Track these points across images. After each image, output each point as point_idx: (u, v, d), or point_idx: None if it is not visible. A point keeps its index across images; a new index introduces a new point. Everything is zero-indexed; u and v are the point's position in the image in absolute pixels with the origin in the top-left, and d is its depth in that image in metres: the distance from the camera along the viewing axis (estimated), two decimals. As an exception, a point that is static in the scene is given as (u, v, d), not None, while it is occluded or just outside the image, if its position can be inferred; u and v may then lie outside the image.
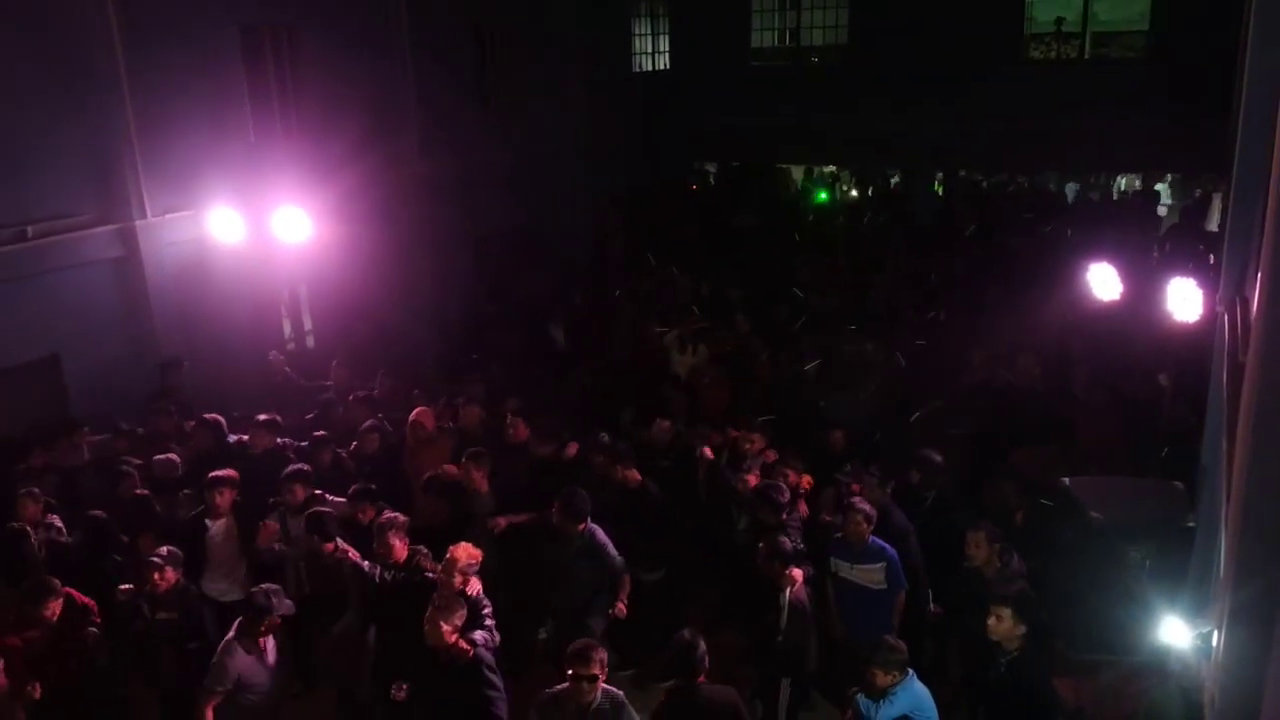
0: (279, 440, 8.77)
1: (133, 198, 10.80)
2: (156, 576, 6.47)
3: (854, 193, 21.55)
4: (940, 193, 20.64)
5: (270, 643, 6.18)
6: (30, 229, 9.99)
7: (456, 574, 6.19)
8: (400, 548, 6.63)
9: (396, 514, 6.86)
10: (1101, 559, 7.01)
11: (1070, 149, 17.92)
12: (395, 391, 10.18)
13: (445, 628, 5.80)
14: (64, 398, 10.40)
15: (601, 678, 5.40)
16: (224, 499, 7.44)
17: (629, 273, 15.49)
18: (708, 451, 8.22)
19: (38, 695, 5.92)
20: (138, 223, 10.86)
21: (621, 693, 5.54)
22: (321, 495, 7.57)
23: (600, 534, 7.09)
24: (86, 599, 6.59)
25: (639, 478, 7.79)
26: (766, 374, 10.81)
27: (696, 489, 8.34)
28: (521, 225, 16.62)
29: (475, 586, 6.28)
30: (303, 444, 8.79)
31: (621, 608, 7.02)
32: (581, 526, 7.01)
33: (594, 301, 14.03)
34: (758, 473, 7.88)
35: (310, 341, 13.67)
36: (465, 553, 6.28)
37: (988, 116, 17.57)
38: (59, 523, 7.53)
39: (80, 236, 10.49)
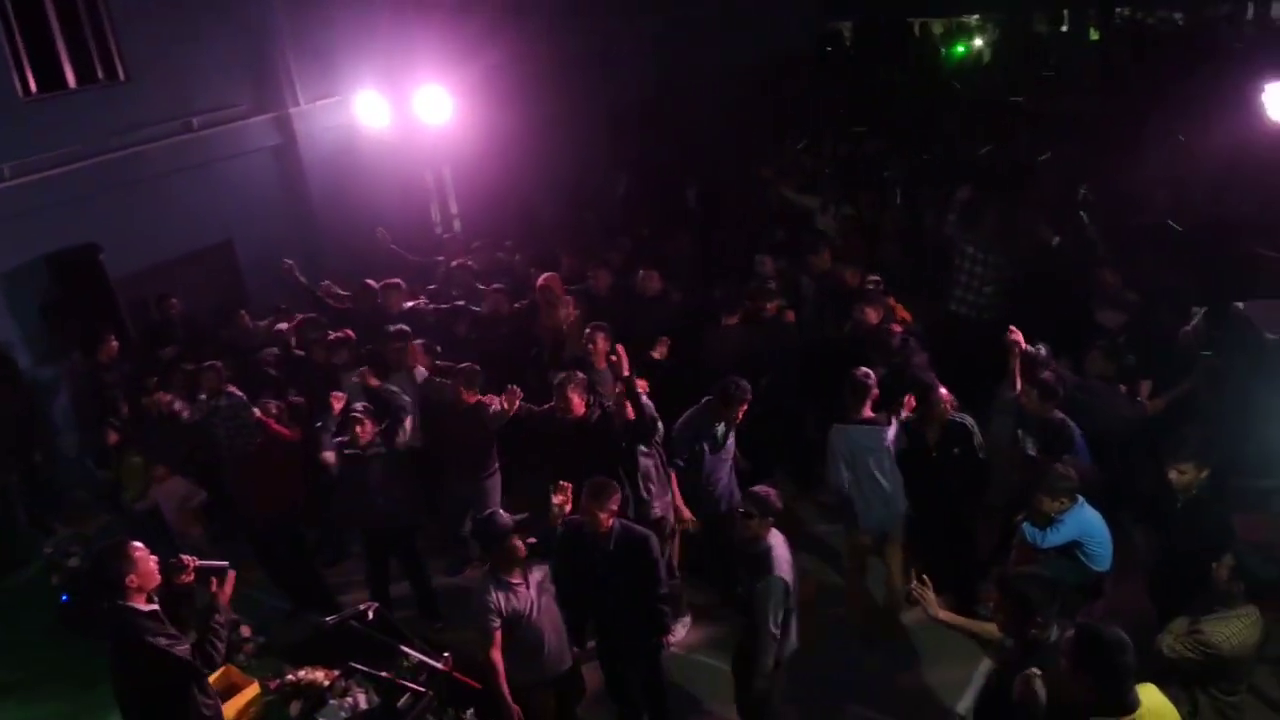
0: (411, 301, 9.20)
1: (285, 86, 11.30)
2: (359, 429, 6.86)
3: (978, 41, 20.31)
4: (1096, 37, 19.26)
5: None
6: (195, 120, 10.61)
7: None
8: (579, 403, 6.52)
9: (576, 371, 6.84)
10: (1276, 381, 6.67)
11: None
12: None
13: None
14: (239, 279, 11.19)
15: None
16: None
17: (770, 140, 15.13)
18: None
19: None
20: (291, 110, 11.38)
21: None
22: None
23: None
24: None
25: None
26: (893, 231, 10.51)
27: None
28: (656, 96, 16.52)
29: (643, 385, 6.47)
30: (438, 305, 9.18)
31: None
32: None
33: (729, 170, 13.81)
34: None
35: (457, 225, 13.99)
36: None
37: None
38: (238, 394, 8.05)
39: (241, 126, 11.11)
